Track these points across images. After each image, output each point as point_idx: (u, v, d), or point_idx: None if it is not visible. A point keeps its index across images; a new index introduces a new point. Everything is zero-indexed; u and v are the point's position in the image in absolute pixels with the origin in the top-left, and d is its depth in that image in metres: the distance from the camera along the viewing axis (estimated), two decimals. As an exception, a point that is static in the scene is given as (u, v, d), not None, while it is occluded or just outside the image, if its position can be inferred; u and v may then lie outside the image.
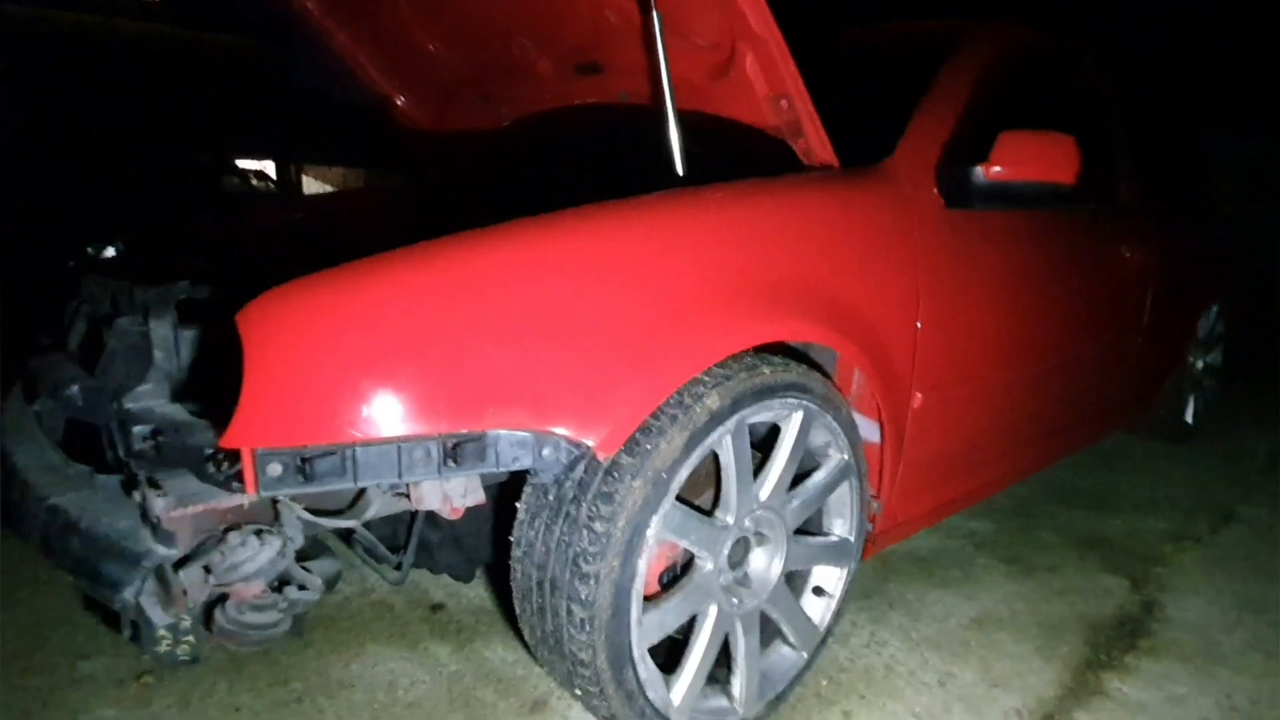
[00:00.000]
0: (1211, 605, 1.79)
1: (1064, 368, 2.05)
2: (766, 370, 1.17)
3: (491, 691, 1.40)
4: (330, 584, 1.12)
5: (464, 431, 0.92)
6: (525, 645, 1.21)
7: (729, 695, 1.26)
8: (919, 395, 1.52)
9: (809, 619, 1.38)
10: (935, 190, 1.56)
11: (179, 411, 1.05)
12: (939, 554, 2.00)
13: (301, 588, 1.08)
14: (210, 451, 0.97)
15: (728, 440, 1.13)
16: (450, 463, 0.92)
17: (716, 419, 1.09)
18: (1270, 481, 2.66)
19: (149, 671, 1.42)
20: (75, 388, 1.11)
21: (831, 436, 1.32)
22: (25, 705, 1.35)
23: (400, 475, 0.90)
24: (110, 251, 1.54)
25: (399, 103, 2.28)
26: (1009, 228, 1.75)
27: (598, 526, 1.02)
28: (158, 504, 0.91)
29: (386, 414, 0.88)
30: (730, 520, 1.19)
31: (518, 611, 1.15)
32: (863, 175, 1.48)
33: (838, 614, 1.43)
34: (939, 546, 2.04)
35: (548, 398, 0.97)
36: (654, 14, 1.28)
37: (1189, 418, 3.05)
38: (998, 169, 1.56)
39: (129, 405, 1.05)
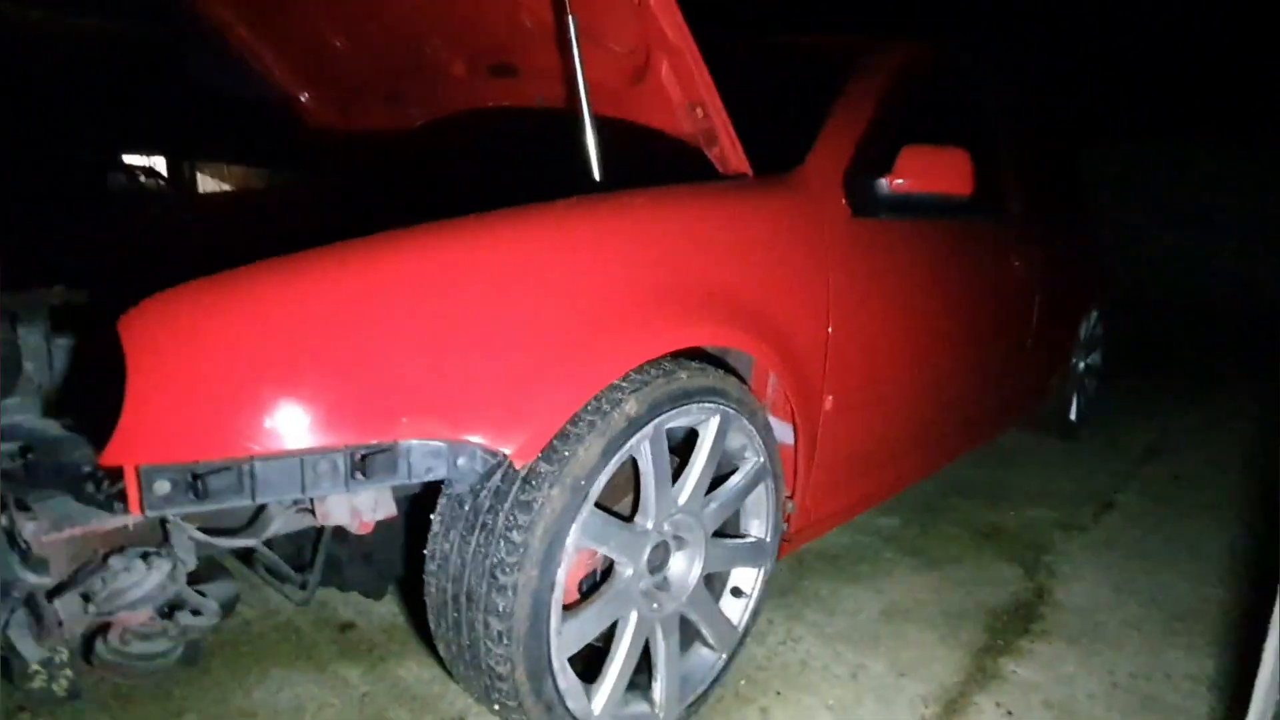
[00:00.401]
0: (1095, 589, 1.92)
1: (962, 370, 2.16)
2: (684, 375, 1.17)
3: (406, 712, 1.35)
4: (227, 608, 1.06)
5: (373, 442, 0.89)
6: (440, 662, 1.17)
7: (650, 700, 1.26)
8: (830, 398, 1.57)
9: (728, 620, 1.40)
10: (843, 200, 1.61)
11: (52, 427, 0.97)
12: (849, 550, 2.07)
13: (195, 613, 1.01)
14: (89, 469, 0.89)
15: (646, 446, 1.13)
16: (358, 475, 0.89)
17: (634, 425, 1.09)
18: (1145, 472, 2.88)
19: (24, 708, 1.30)
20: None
21: (748, 439, 1.34)
22: None
23: (304, 490, 0.86)
24: None
25: (303, 99, 2.19)
26: (911, 237, 1.83)
27: (515, 536, 1.00)
28: (27, 528, 0.83)
29: (287, 425, 0.83)
30: (649, 526, 1.19)
31: (432, 627, 1.11)
32: (774, 183, 1.52)
33: (755, 613, 1.45)
34: (849, 543, 2.11)
35: (461, 405, 0.94)
36: (569, 18, 1.27)
37: (1073, 415, 3.28)
38: (900, 180, 1.63)
39: (-5, 421, 0.96)
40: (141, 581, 0.91)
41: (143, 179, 9.08)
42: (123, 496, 0.81)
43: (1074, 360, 3.20)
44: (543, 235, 1.08)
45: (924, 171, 1.64)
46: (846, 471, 1.73)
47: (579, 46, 1.28)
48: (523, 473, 1.01)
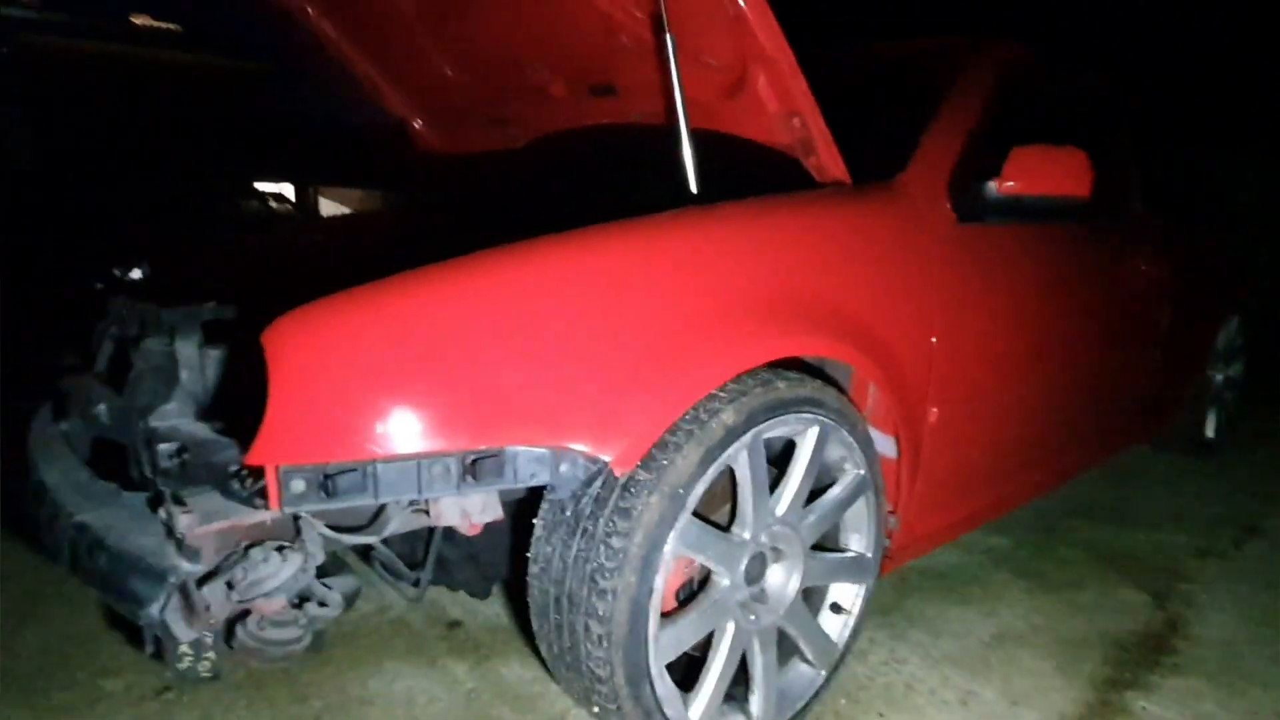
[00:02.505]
0: (1236, 620, 1.76)
1: (1080, 381, 2.04)
2: (781, 385, 1.17)
3: (509, 709, 1.40)
4: (349, 600, 1.13)
5: (483, 448, 0.93)
6: (542, 662, 1.21)
7: (746, 714, 1.25)
8: (935, 410, 1.52)
9: (827, 636, 1.37)
10: (948, 205, 1.56)
11: (203, 430, 1.07)
12: (957, 570, 1.98)
13: (321, 604, 1.09)
14: (235, 468, 0.98)
15: (744, 455, 1.13)
16: (469, 478, 0.94)
17: (732, 434, 1.10)
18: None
19: (170, 688, 1.43)
20: (103, 406, 1.13)
21: (847, 451, 1.32)
22: (45, 722, 1.36)
23: (420, 491, 0.91)
24: (136, 273, 1.57)
25: (415, 125, 2.32)
26: (1022, 242, 1.75)
27: (615, 542, 1.02)
28: (182, 520, 0.93)
29: (407, 431, 0.89)
30: (747, 535, 1.19)
31: (535, 628, 1.15)
32: (875, 191, 1.49)
33: (855, 631, 1.42)
34: (957, 562, 2.02)
35: (565, 414, 0.98)
36: (667, 37, 1.30)
37: (1210, 432, 3.02)
38: (1010, 183, 1.57)
39: (155, 424, 1.07)
40: (277, 572, 0.99)
41: (273, 203, 9.86)
42: (263, 494, 0.89)
43: (1210, 371, 2.94)
44: (643, 248, 1.11)
45: (1036, 173, 1.56)
46: (952, 487, 1.66)
47: (676, 63, 1.30)
48: (623, 480, 1.04)
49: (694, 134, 1.38)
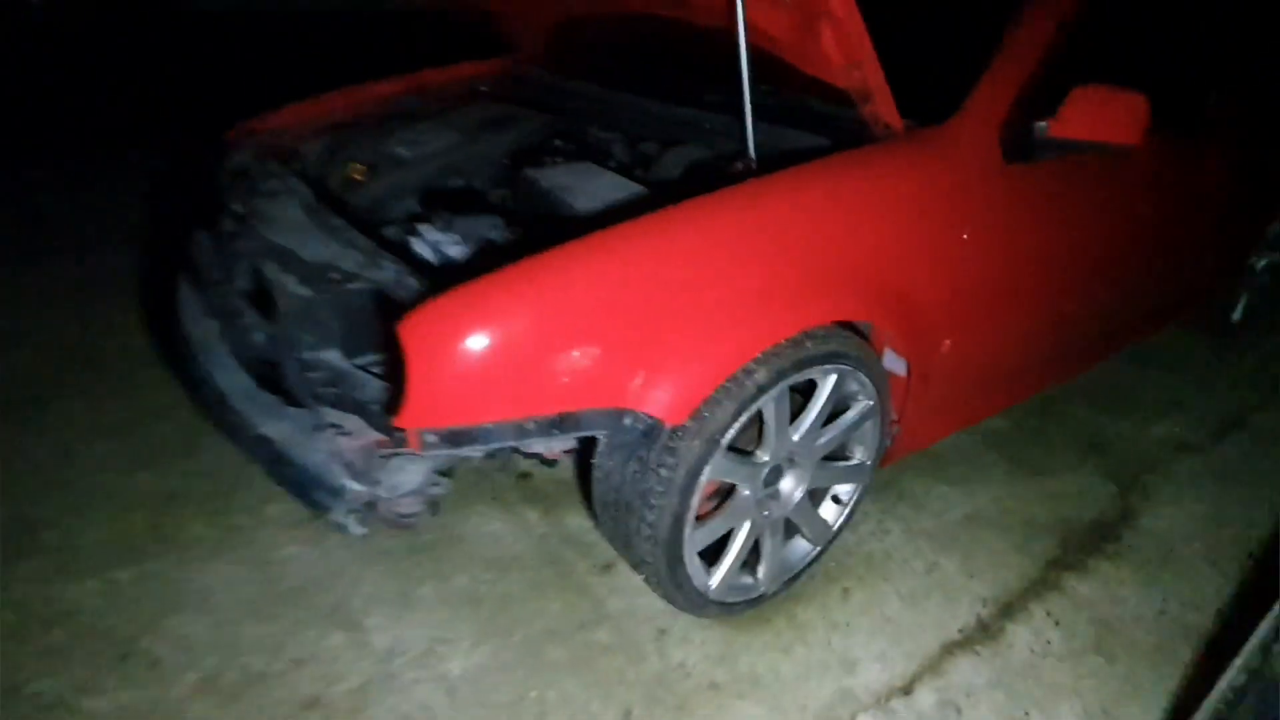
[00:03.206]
0: (1185, 516, 2.07)
1: (1110, 289, 2.16)
2: (809, 345, 1.39)
3: (572, 553, 1.82)
4: (449, 474, 1.48)
5: (564, 411, 1.21)
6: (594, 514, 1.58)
7: (755, 576, 1.64)
8: (948, 341, 1.72)
9: (825, 522, 1.72)
10: (997, 148, 1.63)
11: (346, 363, 1.35)
12: (953, 450, 2.28)
13: (434, 485, 1.44)
14: (377, 405, 1.27)
15: (771, 404, 1.39)
16: (554, 432, 1.22)
17: (763, 390, 1.35)
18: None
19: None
20: (260, 335, 1.42)
21: (860, 387, 1.56)
22: (227, 540, 1.82)
23: (519, 442, 1.21)
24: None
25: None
26: (1067, 173, 1.80)
27: (663, 473, 1.33)
28: (349, 446, 1.25)
29: (508, 403, 1.17)
30: (767, 458, 1.48)
31: (597, 512, 1.50)
32: (924, 139, 1.57)
33: (849, 516, 1.76)
34: (954, 443, 2.30)
35: (629, 383, 1.23)
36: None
37: (1237, 315, 3.11)
38: (1064, 125, 1.61)
39: (307, 356, 1.36)
40: (411, 477, 1.32)
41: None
42: (409, 440, 1.19)
43: (1253, 259, 2.98)
44: (699, 243, 1.28)
45: (1092, 118, 1.60)
46: (956, 398, 1.91)
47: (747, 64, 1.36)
48: (671, 428, 1.31)
49: (756, 88, 1.46)
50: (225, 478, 2.01)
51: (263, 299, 1.50)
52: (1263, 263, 3.06)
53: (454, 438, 1.17)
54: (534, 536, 1.86)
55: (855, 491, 1.74)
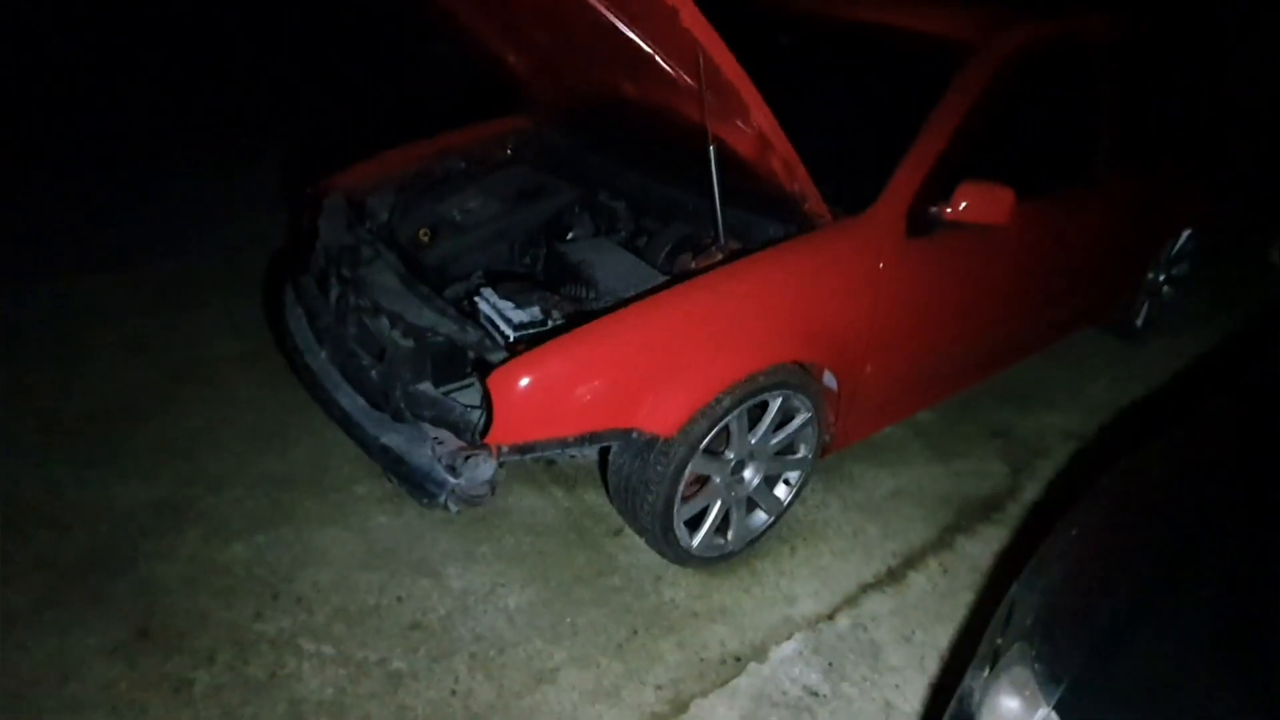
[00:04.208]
0: (1057, 491, 2.70)
1: (1010, 312, 2.77)
2: (761, 378, 1.99)
3: (590, 521, 2.44)
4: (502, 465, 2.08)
5: (594, 430, 1.81)
6: (609, 494, 2.19)
7: (725, 538, 2.26)
8: (870, 366, 2.33)
9: (778, 499, 2.34)
10: (903, 228, 2.21)
11: (438, 394, 1.95)
12: (887, 439, 2.90)
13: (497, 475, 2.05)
14: (462, 423, 1.87)
15: (734, 420, 2.00)
16: (586, 443, 1.83)
17: (729, 410, 1.95)
18: (1181, 382, 3.41)
19: (398, 496, 2.48)
20: (374, 373, 2.01)
21: (802, 404, 2.17)
22: (330, 513, 2.43)
23: (562, 450, 1.82)
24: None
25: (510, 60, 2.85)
26: (959, 239, 2.37)
27: (659, 469, 1.94)
28: (446, 452, 1.85)
29: (558, 426, 1.77)
30: (732, 456, 2.10)
31: (610, 493, 2.12)
32: (849, 226, 2.15)
33: (797, 493, 2.38)
34: (889, 434, 2.93)
35: (640, 413, 1.84)
36: (710, 147, 1.90)
37: (1139, 321, 3.70)
38: (951, 211, 2.19)
39: (410, 389, 1.95)
40: (486, 469, 1.92)
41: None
42: (489, 452, 1.79)
43: (1150, 274, 3.55)
44: (690, 312, 1.88)
45: (973, 206, 2.17)
46: (880, 406, 2.52)
47: (717, 173, 1.93)
48: (664, 439, 1.92)
49: (722, 192, 2.03)
50: (319, 464, 2.61)
51: (368, 340, 2.09)
52: (1161, 276, 3.65)
53: (521, 449, 1.78)
54: (560, 509, 2.48)
55: (800, 477, 2.36)
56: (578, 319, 1.97)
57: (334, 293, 2.22)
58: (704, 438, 1.94)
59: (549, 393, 1.75)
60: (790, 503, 2.38)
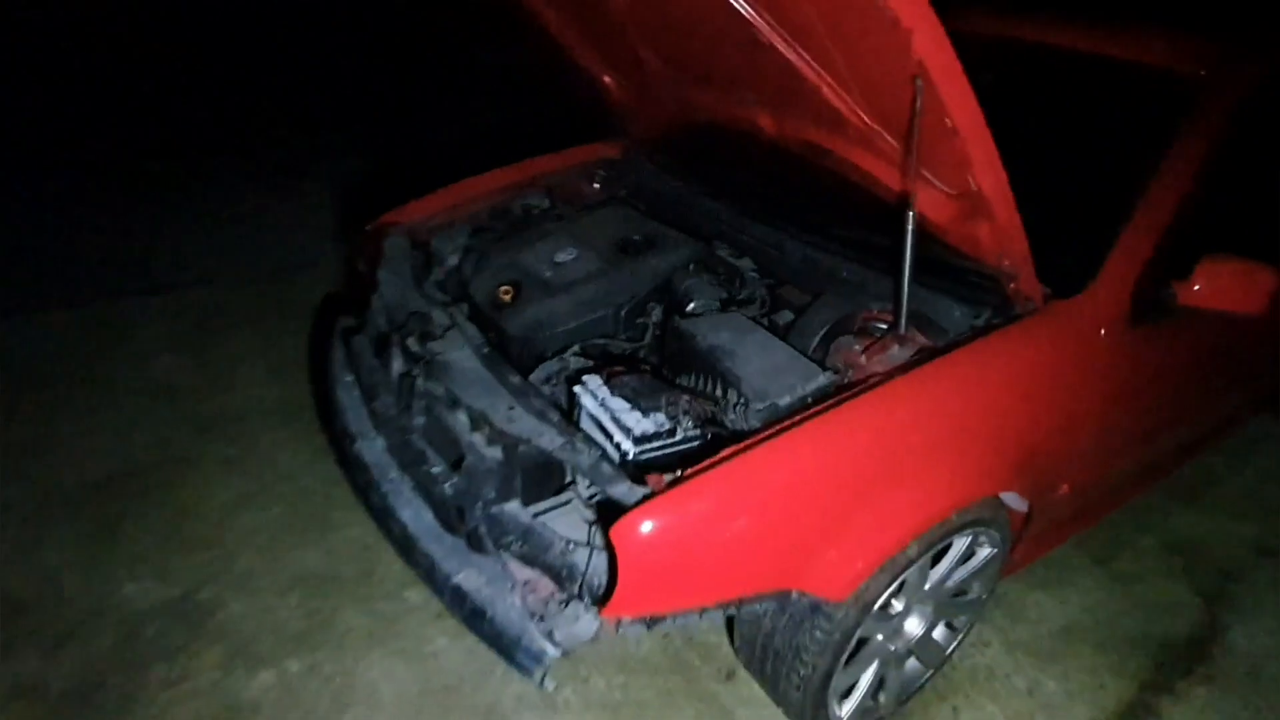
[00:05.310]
0: (1268, 635, 2.15)
1: (1210, 409, 2.24)
2: (955, 519, 1.50)
3: (695, 656, 1.96)
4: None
5: (743, 596, 1.34)
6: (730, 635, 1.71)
7: (876, 700, 1.77)
8: (1066, 486, 1.82)
9: (941, 647, 1.84)
10: (1128, 313, 1.70)
11: (529, 519, 1.49)
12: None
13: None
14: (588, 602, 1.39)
15: (915, 569, 1.51)
16: (732, 609, 1.35)
17: (913, 561, 1.46)
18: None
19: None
20: (448, 487, 1.55)
21: (989, 540, 1.67)
22: (379, 630, 1.98)
23: (699, 619, 1.34)
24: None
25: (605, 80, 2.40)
26: (1179, 332, 1.85)
27: (817, 634, 1.45)
28: (536, 601, 1.39)
29: (700, 594, 1.30)
30: (901, 608, 1.60)
31: (738, 644, 1.64)
32: (1063, 313, 1.64)
33: (960, 642, 1.88)
34: (1043, 542, 2.42)
35: (802, 570, 1.36)
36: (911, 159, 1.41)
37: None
38: (1188, 294, 1.68)
39: (494, 511, 1.50)
40: (586, 626, 1.46)
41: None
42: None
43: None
44: (890, 424, 1.41)
45: (1222, 290, 1.67)
46: (1062, 525, 2.01)
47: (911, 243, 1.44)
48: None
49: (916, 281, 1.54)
50: (365, 559, 2.17)
51: (440, 438, 1.64)
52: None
53: (649, 622, 1.30)
54: (658, 639, 2.01)
55: (968, 621, 1.86)
56: (714, 429, 1.50)
57: (397, 366, 1.77)
58: (880, 596, 1.46)
59: (692, 548, 1.28)
60: (952, 653, 1.88)
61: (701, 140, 2.34)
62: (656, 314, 1.91)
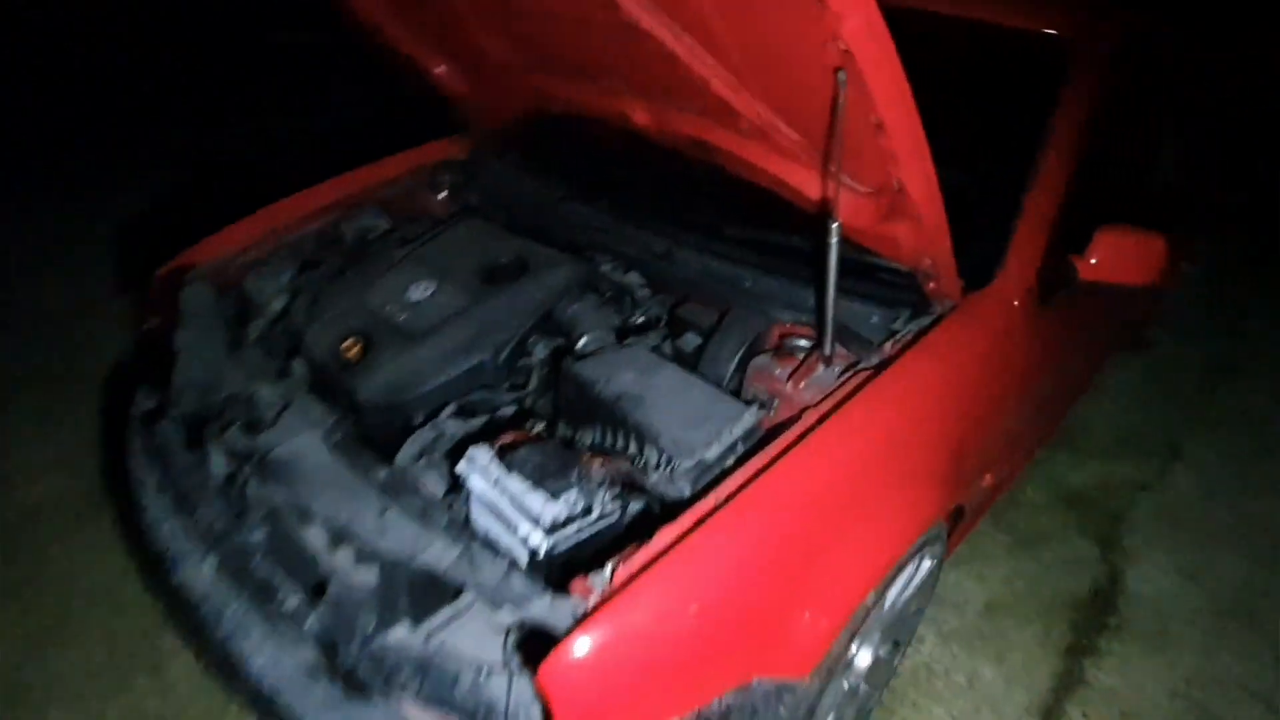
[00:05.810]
0: (1163, 573, 2.25)
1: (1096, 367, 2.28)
2: (910, 550, 1.36)
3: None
4: None
5: (702, 706, 1.13)
6: None
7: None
8: (989, 477, 1.76)
9: (888, 663, 1.73)
10: (1036, 291, 1.63)
11: (422, 644, 1.19)
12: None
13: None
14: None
15: (874, 615, 1.36)
16: None
17: (870, 610, 1.32)
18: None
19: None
20: (314, 620, 1.21)
21: (931, 554, 1.57)
22: None
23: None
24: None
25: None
26: (1075, 305, 1.82)
27: (781, 711, 1.27)
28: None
29: (651, 713, 1.07)
30: (855, 650, 1.46)
31: None
32: (979, 306, 1.54)
33: (904, 657, 1.79)
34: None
35: (764, 655, 1.16)
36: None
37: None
38: (1092, 265, 1.63)
39: (375, 645, 1.18)
40: None
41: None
42: None
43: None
44: (842, 464, 1.24)
45: (1118, 262, 1.62)
46: (981, 509, 1.97)
47: (835, 254, 1.25)
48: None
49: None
50: (212, 689, 1.76)
51: (292, 559, 1.29)
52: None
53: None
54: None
55: (910, 636, 1.77)
56: (635, 495, 1.27)
57: (218, 467, 1.38)
58: (842, 655, 1.30)
59: (636, 668, 1.05)
60: (896, 669, 1.79)
61: (561, 135, 2.06)
62: (540, 351, 1.62)
